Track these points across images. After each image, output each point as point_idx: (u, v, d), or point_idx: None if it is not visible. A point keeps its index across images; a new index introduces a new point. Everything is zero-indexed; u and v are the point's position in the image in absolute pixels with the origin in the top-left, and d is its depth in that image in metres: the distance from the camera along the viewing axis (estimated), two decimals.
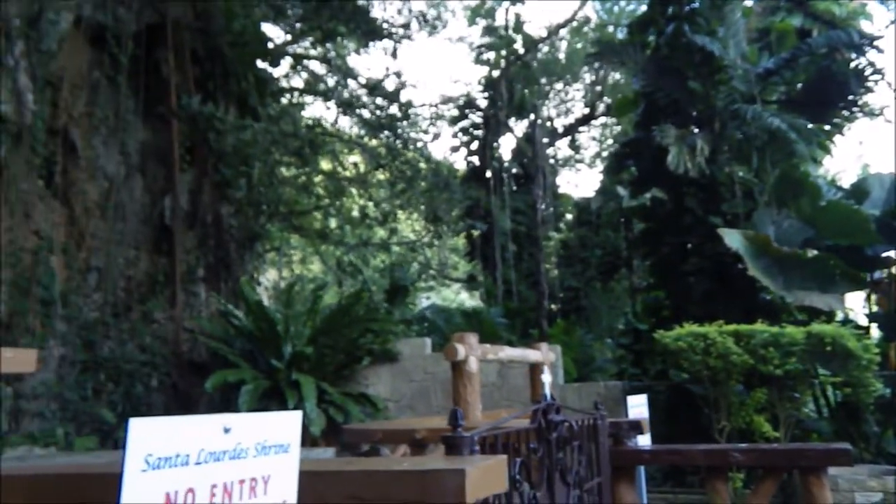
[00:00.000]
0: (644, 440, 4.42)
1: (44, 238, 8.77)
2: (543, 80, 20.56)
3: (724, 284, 9.68)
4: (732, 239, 8.75)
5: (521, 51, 19.43)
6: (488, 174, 18.32)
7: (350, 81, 13.18)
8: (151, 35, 10.23)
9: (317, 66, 13.73)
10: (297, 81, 13.83)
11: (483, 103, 18.93)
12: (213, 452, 1.54)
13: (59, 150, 9.26)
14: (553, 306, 17.15)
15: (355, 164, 13.65)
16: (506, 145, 20.00)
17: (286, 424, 1.75)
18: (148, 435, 1.40)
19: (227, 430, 1.59)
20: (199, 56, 10.75)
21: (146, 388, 9.06)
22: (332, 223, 14.14)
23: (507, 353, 5.51)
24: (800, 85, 11.45)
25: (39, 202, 8.95)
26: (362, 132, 13.48)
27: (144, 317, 9.47)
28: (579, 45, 20.66)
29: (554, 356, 7.11)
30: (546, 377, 3.25)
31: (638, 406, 5.22)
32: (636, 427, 4.06)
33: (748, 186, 10.38)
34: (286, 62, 12.90)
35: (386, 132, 12.20)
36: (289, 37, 12.86)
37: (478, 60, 19.61)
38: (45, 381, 8.25)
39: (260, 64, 11.79)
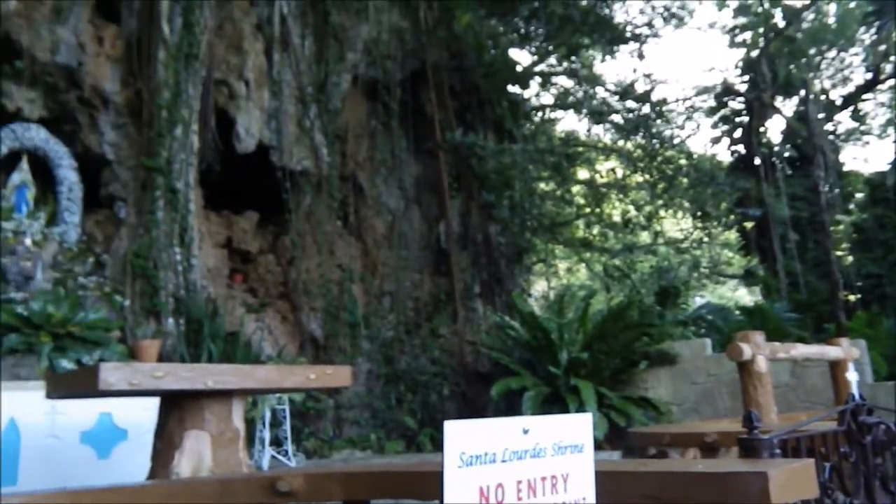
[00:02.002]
0: None
1: (345, 270, 10.15)
2: (812, 51, 18.37)
3: None
4: None
5: (782, 24, 17.61)
6: (757, 161, 16.86)
7: (599, 89, 13.15)
8: (415, 80, 11.36)
9: (564, 81, 13.94)
10: (547, 98, 14.18)
11: (742, 88, 17.52)
12: (515, 451, 1.62)
13: (350, 193, 10.69)
14: (850, 297, 15.11)
15: (612, 170, 13.52)
16: (774, 128, 18.27)
17: (578, 426, 1.84)
18: (461, 435, 1.54)
19: (525, 431, 1.72)
20: (456, 91, 11.65)
21: (439, 396, 9.93)
22: (594, 231, 14.14)
23: (801, 350, 5.05)
24: None
25: (339, 239, 10.38)
26: (616, 137, 13.34)
27: (432, 333, 10.43)
28: (852, 4, 18.11)
29: (858, 352, 6.30)
30: (851, 375, 2.95)
31: None
32: None
33: None
34: (535, 82, 13.33)
35: (641, 134, 11.94)
36: (535, 57, 13.26)
37: (732, 44, 18.22)
38: (358, 392, 9.48)
39: (511, 88, 12.37)
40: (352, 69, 10.73)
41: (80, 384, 3.78)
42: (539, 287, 15.99)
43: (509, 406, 9.32)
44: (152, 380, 3.58)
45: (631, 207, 13.62)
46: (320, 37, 10.46)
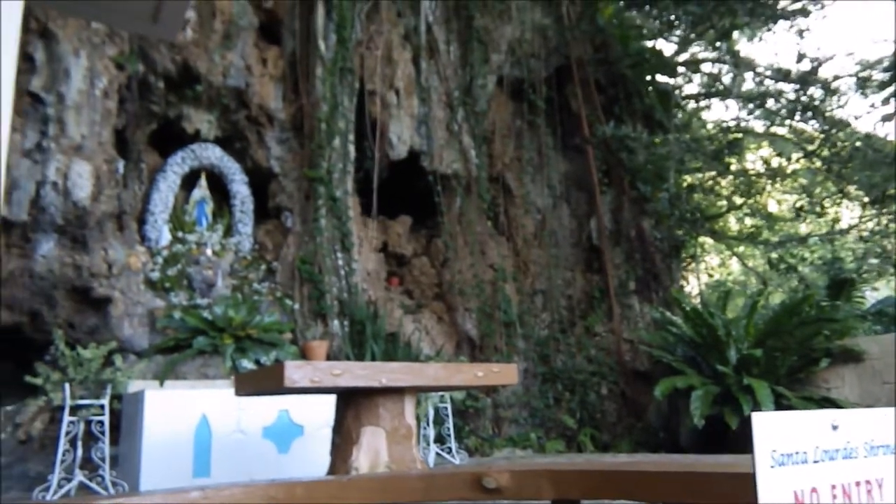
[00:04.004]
0: None
1: (497, 270, 10.19)
2: None
3: None
4: None
5: None
6: None
7: (755, 73, 12.36)
8: (559, 77, 11.25)
9: (712, 67, 13.24)
10: (694, 87, 13.53)
11: None
12: (826, 450, 1.51)
13: (498, 193, 10.74)
14: None
15: (774, 156, 12.64)
16: None
17: (889, 423, 1.69)
18: (770, 431, 1.43)
19: (835, 427, 1.59)
20: (602, 85, 11.42)
21: (598, 395, 9.74)
22: (751, 222, 13.33)
23: None
24: None
25: (490, 240, 10.45)
26: (770, 123, 12.48)
27: (587, 331, 10.25)
28: None
29: None
30: None
31: None
32: None
33: None
34: (683, 70, 12.77)
35: (806, 115, 11.09)
36: (678, 46, 12.72)
37: None
38: (515, 391, 9.49)
39: (659, 78, 11.93)
40: (497, 70, 10.79)
41: (266, 382, 4.00)
42: (692, 282, 15.31)
43: (672, 406, 8.97)
44: (331, 377, 3.73)
45: (792, 196, 12.70)
46: (465, 41, 10.59)
